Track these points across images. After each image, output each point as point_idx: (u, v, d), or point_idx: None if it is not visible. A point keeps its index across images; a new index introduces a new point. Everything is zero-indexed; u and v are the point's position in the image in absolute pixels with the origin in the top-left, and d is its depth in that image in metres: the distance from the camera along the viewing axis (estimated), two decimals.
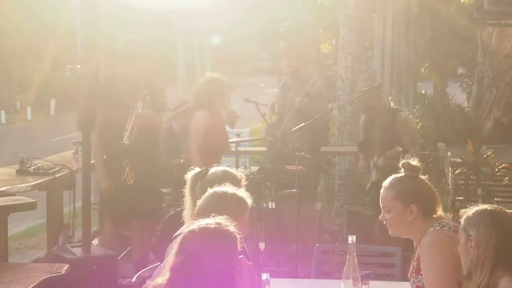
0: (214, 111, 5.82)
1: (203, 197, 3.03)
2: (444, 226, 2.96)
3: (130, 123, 5.44)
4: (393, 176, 3.14)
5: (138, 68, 5.61)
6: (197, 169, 3.34)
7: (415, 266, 3.04)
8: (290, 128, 6.08)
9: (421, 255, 2.96)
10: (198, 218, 2.93)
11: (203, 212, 2.93)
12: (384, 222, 3.11)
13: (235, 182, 3.26)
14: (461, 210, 2.76)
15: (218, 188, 3.04)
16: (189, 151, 5.87)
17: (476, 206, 2.75)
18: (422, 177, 3.14)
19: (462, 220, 2.71)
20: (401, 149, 5.70)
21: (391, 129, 5.94)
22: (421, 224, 3.02)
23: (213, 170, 3.35)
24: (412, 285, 3.07)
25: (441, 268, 2.87)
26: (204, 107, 5.83)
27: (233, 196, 2.99)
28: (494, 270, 2.56)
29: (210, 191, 3.04)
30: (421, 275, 2.97)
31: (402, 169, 3.12)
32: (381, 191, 3.12)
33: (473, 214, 2.69)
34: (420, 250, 2.98)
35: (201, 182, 3.29)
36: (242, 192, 3.05)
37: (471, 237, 2.63)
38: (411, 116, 8.61)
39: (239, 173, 3.38)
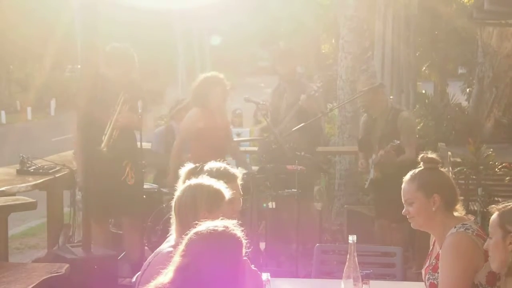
0: (207, 109, 5.81)
1: (179, 189, 2.98)
2: (468, 229, 2.95)
3: (109, 127, 5.43)
4: (413, 170, 3.14)
5: (122, 72, 5.58)
6: (191, 165, 3.29)
7: (434, 264, 3.04)
8: (290, 129, 6.09)
9: (442, 254, 2.96)
10: (176, 212, 2.92)
11: (179, 206, 2.91)
12: (407, 216, 3.12)
13: (231, 179, 3.24)
14: (490, 206, 2.72)
15: (193, 181, 2.99)
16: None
17: (509, 202, 2.70)
18: (442, 169, 3.15)
19: (495, 216, 2.66)
20: (398, 141, 5.69)
21: (393, 128, 5.93)
22: (443, 217, 3.03)
23: (209, 166, 3.32)
24: (426, 281, 3.08)
25: (461, 271, 2.88)
26: (197, 106, 5.85)
27: (209, 188, 2.93)
28: None
29: (186, 183, 2.99)
30: (438, 273, 2.97)
31: (422, 163, 3.14)
32: (403, 185, 3.13)
33: (510, 209, 2.64)
34: (443, 249, 2.97)
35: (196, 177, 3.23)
36: (218, 184, 2.98)
37: (511, 234, 2.59)
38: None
39: (237, 170, 3.34)
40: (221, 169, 3.30)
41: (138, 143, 5.57)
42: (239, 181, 3.33)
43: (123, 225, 5.91)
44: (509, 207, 2.66)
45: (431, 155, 3.15)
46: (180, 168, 3.37)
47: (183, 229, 2.80)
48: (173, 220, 2.98)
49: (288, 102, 6.45)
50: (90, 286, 4.85)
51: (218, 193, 2.94)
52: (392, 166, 5.71)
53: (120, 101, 5.47)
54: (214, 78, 5.86)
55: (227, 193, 2.98)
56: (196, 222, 2.49)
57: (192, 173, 3.21)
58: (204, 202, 2.88)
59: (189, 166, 3.27)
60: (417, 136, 6.61)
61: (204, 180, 3.00)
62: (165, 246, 2.97)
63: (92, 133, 5.34)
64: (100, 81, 5.53)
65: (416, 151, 5.93)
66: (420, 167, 3.14)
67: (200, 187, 2.94)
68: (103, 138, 5.42)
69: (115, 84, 5.53)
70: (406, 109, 8.68)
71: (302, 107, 6.28)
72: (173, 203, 2.97)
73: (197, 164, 3.30)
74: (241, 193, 3.32)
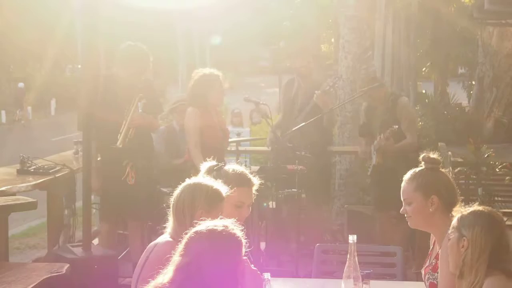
0: (204, 107, 5.77)
1: (179, 188, 2.97)
2: None
3: (125, 126, 5.45)
4: (414, 169, 3.15)
5: (136, 71, 5.59)
6: (213, 162, 3.23)
7: (433, 264, 3.05)
8: (305, 126, 6.02)
9: (442, 253, 2.96)
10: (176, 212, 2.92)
11: (177, 203, 2.91)
12: (405, 215, 3.13)
13: (246, 184, 3.21)
14: (454, 209, 2.76)
15: (193, 180, 2.98)
16: (188, 150, 5.86)
17: (471, 206, 2.74)
18: (443, 170, 3.15)
19: (455, 219, 2.72)
20: (396, 126, 5.70)
21: (392, 114, 5.94)
22: (442, 218, 3.04)
23: (228, 167, 3.29)
24: (426, 281, 3.08)
25: None
26: (194, 104, 5.80)
27: (208, 188, 2.93)
28: (488, 274, 2.59)
29: (185, 182, 2.98)
30: (438, 273, 2.97)
31: (423, 162, 3.14)
32: (402, 184, 3.14)
33: (468, 214, 2.70)
34: (442, 248, 2.98)
35: (212, 176, 3.15)
36: (218, 185, 2.97)
37: (464, 237, 2.64)
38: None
39: (255, 178, 3.26)
40: (238, 171, 3.26)
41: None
42: (255, 189, 3.26)
43: (129, 225, 5.91)
44: (468, 211, 2.71)
45: (433, 155, 3.15)
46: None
47: (179, 226, 2.81)
48: (170, 218, 2.98)
49: (302, 99, 6.40)
50: (90, 286, 4.85)
51: (216, 194, 2.93)
52: (393, 153, 5.74)
53: (136, 100, 5.48)
54: (212, 76, 5.79)
55: (225, 193, 2.97)
56: (196, 221, 2.49)
57: (211, 171, 3.17)
58: (202, 201, 2.88)
59: (210, 163, 3.22)
60: (418, 120, 6.60)
61: (204, 179, 2.99)
62: (161, 239, 2.97)
63: (104, 134, 5.41)
64: (110, 81, 5.55)
65: (417, 137, 5.97)
66: (421, 166, 3.15)
67: (199, 186, 2.94)
68: (118, 137, 5.44)
69: (128, 84, 5.54)
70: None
71: (316, 104, 6.23)
72: (171, 200, 2.97)
73: (218, 163, 3.26)
74: (253, 201, 3.27)
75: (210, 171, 3.16)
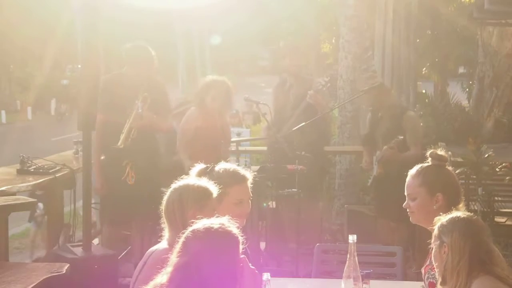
0: (204, 109, 5.82)
1: (166, 193, 2.95)
2: None
3: (127, 125, 5.46)
4: (420, 164, 3.14)
5: (142, 71, 5.61)
6: (202, 165, 3.22)
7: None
8: (301, 128, 6.04)
9: None
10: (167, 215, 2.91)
11: (167, 208, 2.90)
12: (407, 210, 3.13)
13: (240, 180, 3.21)
14: (435, 218, 2.77)
15: (179, 182, 2.97)
16: (177, 147, 5.92)
17: (450, 214, 2.75)
18: (449, 168, 3.14)
19: (436, 228, 2.73)
20: (402, 137, 5.67)
21: (397, 125, 5.91)
22: None
23: (219, 166, 3.28)
24: (425, 280, 3.08)
25: None
26: (195, 106, 5.89)
27: (194, 187, 2.91)
28: (468, 277, 2.61)
29: (172, 186, 2.97)
30: None
31: (430, 158, 3.13)
32: (407, 179, 3.14)
33: (447, 221, 2.71)
34: None
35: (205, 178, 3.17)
36: (205, 182, 2.96)
37: (445, 244, 2.66)
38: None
39: (247, 172, 3.27)
40: (230, 170, 3.25)
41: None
42: (250, 183, 3.26)
43: (133, 225, 5.92)
44: (446, 219, 2.72)
45: (440, 152, 3.14)
46: (191, 166, 3.28)
47: (174, 231, 2.80)
48: (164, 223, 2.97)
49: (295, 98, 6.42)
50: (90, 285, 4.85)
51: (203, 191, 2.92)
52: (396, 163, 5.70)
53: (139, 100, 5.49)
54: (211, 81, 5.90)
55: (214, 189, 2.96)
56: (192, 220, 2.49)
57: (202, 174, 3.16)
58: (190, 201, 2.87)
59: (199, 166, 3.21)
60: (422, 135, 6.59)
61: (190, 180, 2.98)
62: (159, 245, 2.97)
63: (108, 138, 5.45)
64: (116, 85, 5.56)
65: (422, 150, 5.93)
66: (427, 162, 3.13)
67: (185, 187, 2.93)
68: (120, 137, 5.45)
69: (134, 83, 5.54)
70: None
71: (310, 103, 6.25)
72: (162, 205, 2.96)
73: (208, 165, 3.25)
74: (251, 195, 3.27)
75: (201, 175, 3.15)
